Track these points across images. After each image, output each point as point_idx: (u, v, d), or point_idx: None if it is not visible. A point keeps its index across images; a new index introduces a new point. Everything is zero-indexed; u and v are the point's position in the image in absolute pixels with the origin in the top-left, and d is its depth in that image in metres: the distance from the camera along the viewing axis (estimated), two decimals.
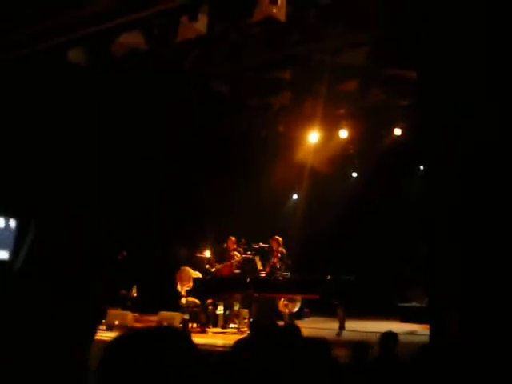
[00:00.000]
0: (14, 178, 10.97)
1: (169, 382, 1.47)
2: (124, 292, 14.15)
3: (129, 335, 1.56)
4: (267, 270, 13.40)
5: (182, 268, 13.59)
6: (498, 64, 6.95)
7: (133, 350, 1.50)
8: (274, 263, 13.40)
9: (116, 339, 1.56)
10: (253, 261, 13.35)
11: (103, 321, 12.86)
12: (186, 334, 1.60)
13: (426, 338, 7.82)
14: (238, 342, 4.13)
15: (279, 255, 13.45)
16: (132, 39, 10.38)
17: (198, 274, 13.58)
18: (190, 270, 13.54)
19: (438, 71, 7.68)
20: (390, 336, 6.09)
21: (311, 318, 14.98)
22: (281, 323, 12.75)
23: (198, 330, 12.71)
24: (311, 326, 12.50)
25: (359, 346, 5.85)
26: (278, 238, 13.61)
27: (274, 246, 13.48)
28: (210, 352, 9.39)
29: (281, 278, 13.02)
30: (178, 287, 13.39)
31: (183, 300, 13.25)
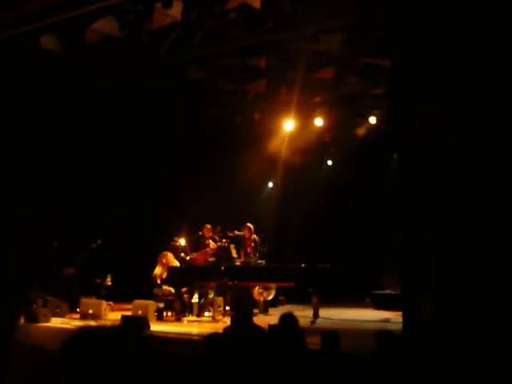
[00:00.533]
0: None
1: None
2: (98, 281, 14.07)
3: (83, 332, 1.55)
4: (242, 258, 13.41)
5: (165, 253, 13.51)
6: (472, 49, 6.98)
7: (86, 345, 1.50)
8: (248, 252, 13.43)
9: (73, 336, 1.55)
10: (228, 249, 13.33)
11: (77, 309, 12.82)
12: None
13: (399, 326, 7.86)
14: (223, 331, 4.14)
15: (252, 244, 13.47)
16: (106, 26, 10.27)
17: (177, 263, 13.53)
18: (172, 257, 13.47)
19: (411, 59, 7.70)
20: (385, 334, 6.11)
21: (286, 306, 14.97)
22: (256, 311, 12.82)
23: (173, 318, 12.67)
24: None
25: (329, 335, 5.87)
26: (249, 225, 13.63)
27: (247, 234, 13.50)
28: (185, 340, 9.41)
29: (255, 266, 13.04)
30: (156, 271, 13.29)
31: (158, 285, 13.20)
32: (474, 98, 6.97)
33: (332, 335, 5.85)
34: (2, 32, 10.24)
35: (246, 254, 13.45)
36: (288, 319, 5.81)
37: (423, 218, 7.31)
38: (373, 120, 15.27)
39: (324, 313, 11.99)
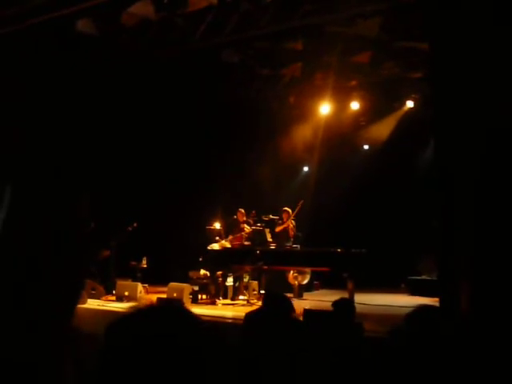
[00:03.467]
0: None
1: (172, 356, 1.44)
2: (134, 263, 14.21)
3: (133, 313, 1.53)
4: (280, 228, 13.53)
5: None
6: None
7: (137, 327, 1.48)
8: (289, 236, 13.48)
9: (120, 318, 1.52)
10: (263, 232, 13.35)
11: (113, 291, 12.95)
12: (187, 309, 1.57)
13: None
14: (248, 315, 4.12)
15: (291, 226, 13.53)
16: (142, 9, 10.28)
17: (226, 244, 13.64)
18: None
19: (449, 42, 7.58)
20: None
21: (321, 291, 14.99)
22: (289, 295, 12.82)
23: (208, 301, 12.75)
24: (320, 299, 12.51)
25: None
26: (287, 209, 13.64)
27: (285, 218, 13.52)
28: (219, 323, 9.45)
29: (290, 250, 13.05)
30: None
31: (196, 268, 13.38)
32: None
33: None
34: (38, 16, 10.30)
35: (287, 237, 13.53)
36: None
37: (461, 203, 7.22)
38: (410, 104, 15.15)
39: (359, 298, 11.96)
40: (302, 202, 13.77)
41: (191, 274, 13.26)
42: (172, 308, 1.58)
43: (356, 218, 16.18)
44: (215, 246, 13.50)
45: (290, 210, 13.62)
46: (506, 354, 5.51)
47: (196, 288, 12.94)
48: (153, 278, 14.18)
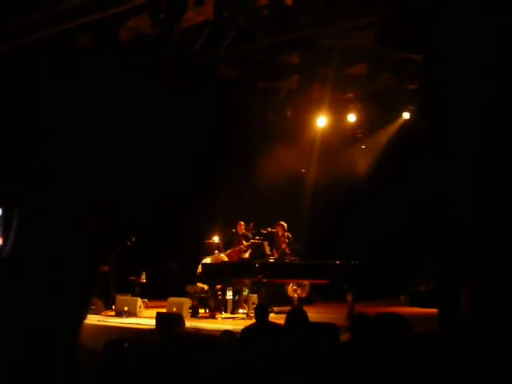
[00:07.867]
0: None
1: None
2: (133, 278, 14.19)
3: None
4: (276, 255, 13.40)
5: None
6: (505, 44, 6.89)
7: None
8: (283, 248, 13.40)
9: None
10: (261, 246, 13.33)
11: (113, 307, 12.93)
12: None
13: (434, 324, 7.78)
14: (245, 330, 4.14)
15: (287, 240, 13.46)
16: (139, 24, 10.33)
17: (224, 258, 13.63)
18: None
19: (444, 54, 7.62)
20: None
21: (319, 303, 14.94)
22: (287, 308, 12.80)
23: (207, 315, 12.72)
24: (320, 311, 12.49)
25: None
26: (282, 223, 13.62)
27: (280, 232, 13.48)
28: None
29: (289, 263, 13.02)
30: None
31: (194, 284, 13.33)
32: (509, 92, 6.87)
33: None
34: (39, 31, 10.34)
35: (281, 251, 13.42)
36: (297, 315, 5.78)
37: (459, 213, 7.23)
38: (406, 116, 15.16)
39: (359, 310, 11.92)
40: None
41: (188, 288, 13.25)
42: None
43: (354, 230, 16.14)
44: (210, 260, 13.49)
45: (284, 224, 13.57)
46: (506, 359, 5.51)
47: (195, 302, 12.92)
48: (152, 293, 14.16)
